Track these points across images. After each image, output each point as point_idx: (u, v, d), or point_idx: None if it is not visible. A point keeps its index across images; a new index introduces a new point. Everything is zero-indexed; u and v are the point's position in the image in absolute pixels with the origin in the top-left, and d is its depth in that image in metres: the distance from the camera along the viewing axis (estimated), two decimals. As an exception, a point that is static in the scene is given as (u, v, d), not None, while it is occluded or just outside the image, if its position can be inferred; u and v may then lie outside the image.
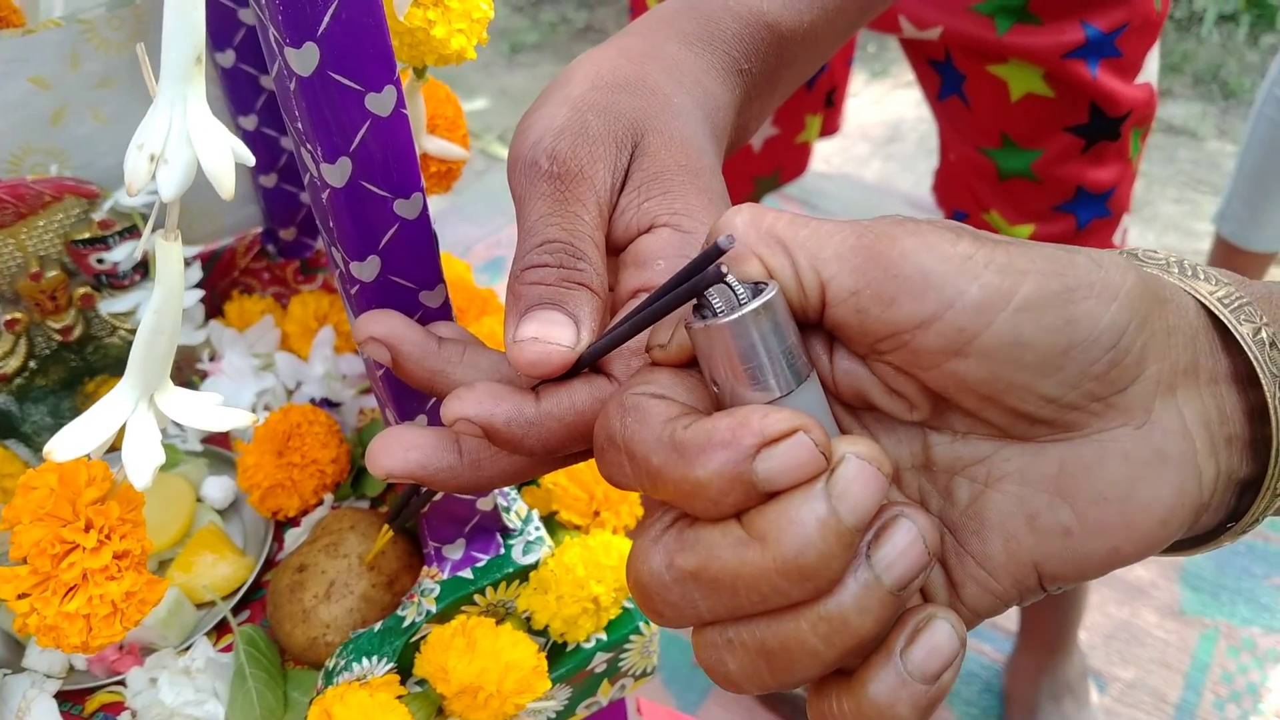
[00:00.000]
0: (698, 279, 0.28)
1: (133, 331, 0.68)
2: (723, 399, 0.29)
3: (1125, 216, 0.96)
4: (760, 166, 1.12)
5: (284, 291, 0.74)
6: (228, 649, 0.55)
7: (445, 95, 0.58)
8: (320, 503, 0.60)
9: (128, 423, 0.34)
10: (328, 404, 0.66)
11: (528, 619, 0.54)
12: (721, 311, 0.28)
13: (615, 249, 0.38)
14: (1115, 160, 0.90)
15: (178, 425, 0.66)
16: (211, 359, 0.67)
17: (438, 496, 0.49)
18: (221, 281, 0.73)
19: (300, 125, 0.37)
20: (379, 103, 0.37)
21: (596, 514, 0.57)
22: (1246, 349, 0.31)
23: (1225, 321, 0.31)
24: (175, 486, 0.62)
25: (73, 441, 0.32)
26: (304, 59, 0.35)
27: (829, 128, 1.20)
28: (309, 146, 0.37)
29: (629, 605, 0.56)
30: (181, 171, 0.30)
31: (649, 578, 0.29)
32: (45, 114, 0.63)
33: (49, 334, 0.66)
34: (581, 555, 0.52)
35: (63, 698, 0.53)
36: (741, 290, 0.28)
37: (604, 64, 0.41)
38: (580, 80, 0.41)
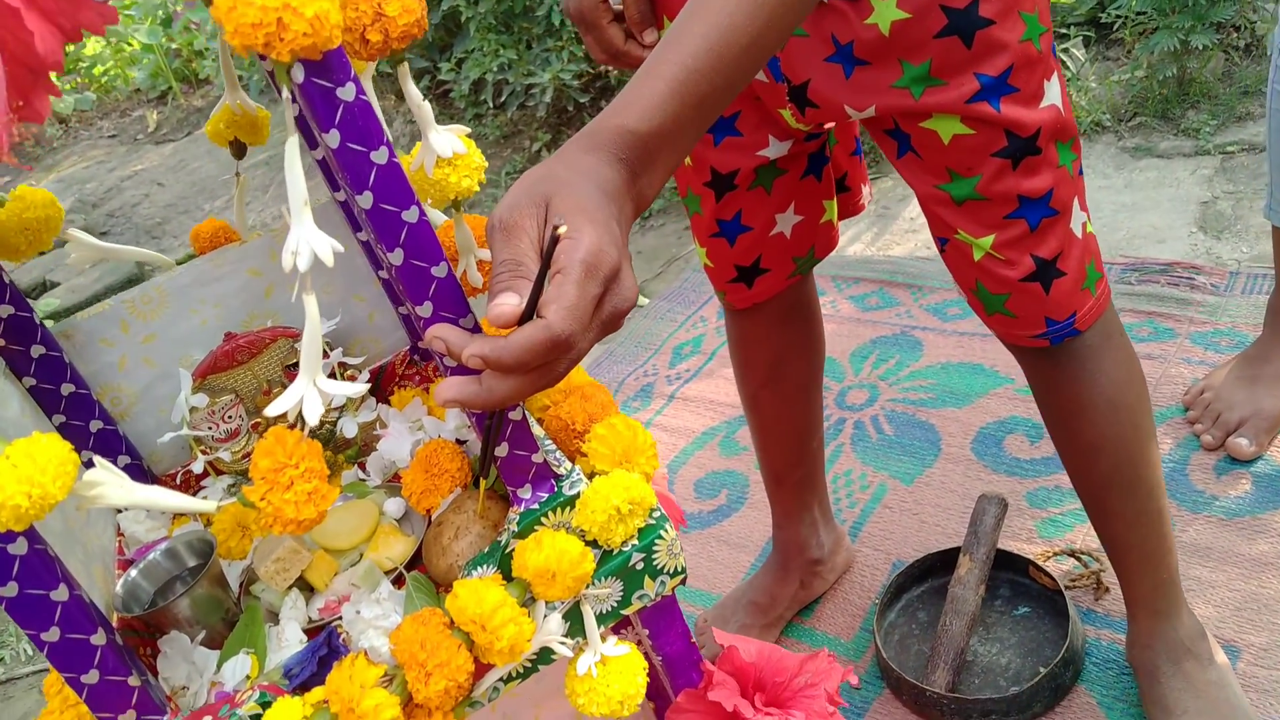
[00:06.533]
0: (547, 255, 0.59)
1: (334, 423, 1.02)
2: None
3: (1079, 212, 1.16)
4: (796, 248, 1.40)
5: (427, 383, 1.08)
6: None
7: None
8: (452, 495, 0.91)
9: (304, 394, 0.66)
10: (459, 442, 0.98)
11: (581, 534, 0.82)
12: None
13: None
14: (1045, 169, 1.12)
15: (365, 472, 0.99)
16: (383, 427, 1.01)
17: (502, 451, 0.79)
18: (388, 385, 1.08)
19: (374, 234, 0.69)
20: (410, 215, 0.69)
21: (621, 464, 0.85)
22: None
23: None
24: (366, 507, 0.94)
25: (276, 405, 0.65)
26: (366, 199, 0.68)
27: (852, 209, 1.48)
28: (381, 245, 0.70)
29: (652, 520, 0.84)
30: (307, 257, 0.63)
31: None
32: (260, 291, 1.00)
33: (280, 430, 1.01)
34: (605, 482, 0.81)
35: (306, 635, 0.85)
36: None
37: (534, 172, 0.73)
38: (519, 184, 0.72)
